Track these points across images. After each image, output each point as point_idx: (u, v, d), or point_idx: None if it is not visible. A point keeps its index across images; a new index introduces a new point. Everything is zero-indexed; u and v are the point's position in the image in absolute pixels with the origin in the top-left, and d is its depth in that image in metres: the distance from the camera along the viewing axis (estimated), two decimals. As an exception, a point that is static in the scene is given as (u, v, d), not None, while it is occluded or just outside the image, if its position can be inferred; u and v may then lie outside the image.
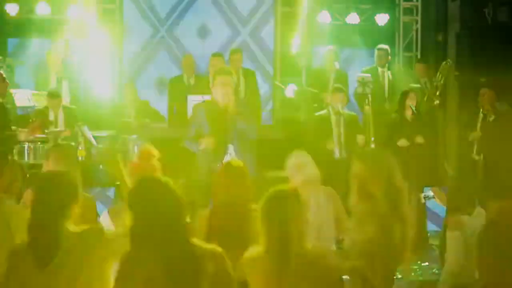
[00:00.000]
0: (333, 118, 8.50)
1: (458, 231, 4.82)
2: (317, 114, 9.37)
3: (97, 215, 4.50)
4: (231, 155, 5.99)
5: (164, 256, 3.07)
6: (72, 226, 3.43)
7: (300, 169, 5.25)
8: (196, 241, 3.18)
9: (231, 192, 4.29)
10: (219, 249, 3.24)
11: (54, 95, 9.13)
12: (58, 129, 8.84)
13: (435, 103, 9.89)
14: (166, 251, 3.08)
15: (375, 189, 3.55)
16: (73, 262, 3.33)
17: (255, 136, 6.69)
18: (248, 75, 10.29)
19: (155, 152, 4.59)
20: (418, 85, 10.02)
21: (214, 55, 9.95)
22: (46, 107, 9.13)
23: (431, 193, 5.35)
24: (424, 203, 8.63)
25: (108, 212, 4.51)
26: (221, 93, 6.43)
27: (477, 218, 4.87)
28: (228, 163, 5.46)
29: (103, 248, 3.38)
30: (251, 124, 6.57)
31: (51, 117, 9.03)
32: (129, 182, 4.39)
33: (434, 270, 7.33)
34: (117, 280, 3.20)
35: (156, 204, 3.14)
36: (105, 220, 4.39)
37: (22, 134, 8.34)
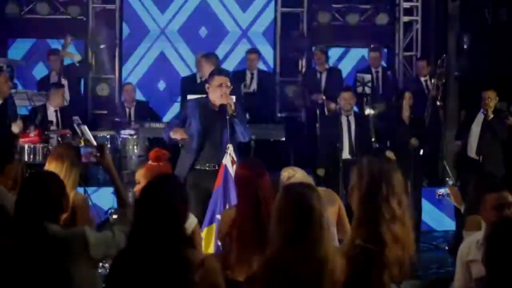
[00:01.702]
0: (343, 118, 8.48)
1: (476, 231, 4.80)
2: (327, 114, 9.40)
3: (89, 214, 4.54)
4: (231, 155, 5.96)
5: (155, 259, 3.05)
6: (57, 228, 3.37)
7: (290, 179, 5.25)
8: (189, 248, 3.15)
9: (255, 189, 4.22)
10: (214, 260, 3.20)
11: (57, 85, 9.25)
12: (58, 129, 8.85)
13: (438, 102, 9.86)
14: (158, 254, 3.06)
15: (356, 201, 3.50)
16: (58, 264, 3.29)
17: (250, 138, 6.67)
18: (264, 76, 10.25)
19: (166, 153, 4.61)
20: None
21: (207, 55, 9.85)
22: (44, 105, 9.14)
23: (446, 191, 5.31)
24: (420, 203, 8.65)
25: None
26: (218, 93, 6.39)
27: None
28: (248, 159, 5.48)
29: (87, 250, 3.35)
30: (246, 125, 6.52)
31: (51, 116, 9.04)
32: (142, 182, 4.43)
33: (433, 270, 7.34)
34: (109, 276, 3.19)
35: (158, 206, 3.11)
36: None
37: (15, 128, 8.29)
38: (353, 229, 3.46)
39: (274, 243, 3.27)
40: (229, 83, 6.39)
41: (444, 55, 10.34)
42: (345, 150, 8.38)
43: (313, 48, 10.77)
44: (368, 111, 9.16)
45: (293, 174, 5.20)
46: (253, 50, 10.36)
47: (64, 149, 4.61)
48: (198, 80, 9.99)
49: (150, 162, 4.59)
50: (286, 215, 3.25)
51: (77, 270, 3.33)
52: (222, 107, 6.34)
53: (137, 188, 4.49)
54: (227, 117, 6.23)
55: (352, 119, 8.51)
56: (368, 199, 3.41)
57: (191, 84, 9.99)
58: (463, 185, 7.33)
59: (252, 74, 10.10)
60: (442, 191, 5.33)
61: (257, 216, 4.14)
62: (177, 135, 6.42)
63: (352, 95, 8.63)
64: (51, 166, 4.28)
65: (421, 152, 8.70)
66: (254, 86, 10.05)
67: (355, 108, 9.07)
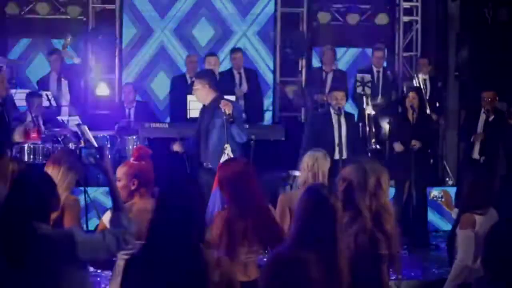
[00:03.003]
0: (334, 117, 8.42)
1: (471, 229, 4.83)
2: (318, 113, 9.34)
3: (79, 215, 4.61)
4: (228, 155, 6.02)
5: (174, 260, 3.08)
6: (46, 227, 3.36)
7: (309, 168, 5.24)
8: (205, 248, 3.18)
9: (245, 188, 4.24)
10: (227, 259, 3.24)
11: (36, 94, 9.16)
12: (57, 129, 8.85)
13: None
14: (177, 255, 3.08)
15: (360, 200, 3.52)
16: (45, 264, 3.29)
17: (247, 139, 6.91)
18: (250, 74, 10.28)
19: (149, 151, 4.60)
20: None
21: (209, 55, 9.93)
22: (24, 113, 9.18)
23: (440, 194, 5.32)
24: (426, 203, 8.63)
25: (111, 211, 4.53)
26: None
27: (489, 219, 4.88)
28: (227, 159, 5.51)
29: (75, 251, 3.34)
30: (241, 127, 6.80)
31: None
32: (123, 180, 4.40)
33: (433, 270, 7.33)
34: (124, 277, 3.21)
35: (179, 208, 3.14)
36: (107, 219, 4.42)
37: (17, 136, 8.27)
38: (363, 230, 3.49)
39: (289, 239, 3.37)
40: (198, 86, 6.94)
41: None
42: (335, 150, 8.32)
43: (323, 47, 10.67)
44: (369, 110, 9.14)
45: (314, 162, 5.21)
46: (237, 49, 10.36)
47: (62, 154, 4.73)
48: (188, 80, 10.02)
49: (132, 160, 4.56)
50: (304, 213, 3.32)
51: (65, 270, 3.32)
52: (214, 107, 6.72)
53: (119, 185, 4.45)
54: (225, 117, 6.41)
55: (342, 119, 8.38)
56: (374, 198, 3.47)
57: (181, 83, 10.02)
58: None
59: (239, 74, 10.09)
60: (435, 193, 5.33)
61: (246, 216, 4.16)
62: (176, 148, 7.11)
63: (344, 95, 8.57)
64: (48, 169, 4.36)
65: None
66: (244, 86, 10.06)
67: (348, 109, 9.04)
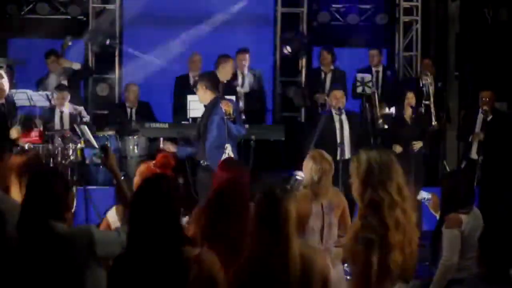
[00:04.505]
0: (335, 117, 8.41)
1: (456, 228, 4.85)
2: (320, 113, 9.35)
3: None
4: (229, 155, 6.07)
5: (154, 258, 3.07)
6: (62, 226, 3.39)
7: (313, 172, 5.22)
8: (186, 245, 3.16)
9: (230, 189, 4.22)
10: (209, 253, 3.21)
11: (62, 88, 9.31)
12: (57, 129, 8.86)
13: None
14: (157, 253, 3.07)
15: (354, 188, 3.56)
16: (63, 262, 3.31)
17: (243, 132, 7.09)
18: (255, 75, 10.22)
19: (172, 163, 4.54)
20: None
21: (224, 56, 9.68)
22: (51, 109, 9.20)
23: (428, 196, 5.30)
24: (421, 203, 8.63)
25: (116, 209, 4.52)
26: None
27: (473, 218, 4.91)
28: (228, 159, 5.53)
29: (93, 248, 3.36)
30: (239, 122, 6.98)
31: (56, 117, 9.08)
32: (138, 177, 4.40)
33: (433, 270, 7.33)
34: (109, 279, 3.21)
35: (154, 206, 3.12)
36: (112, 216, 4.42)
37: (14, 132, 8.30)
38: (358, 218, 3.50)
39: (251, 243, 3.34)
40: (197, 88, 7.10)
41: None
42: (338, 150, 8.29)
43: (321, 49, 10.68)
44: (371, 91, 9.16)
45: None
46: (243, 50, 10.25)
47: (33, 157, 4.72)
48: (191, 80, 9.97)
49: (152, 163, 4.51)
50: (259, 216, 3.31)
51: (83, 268, 3.35)
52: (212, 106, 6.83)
53: (134, 180, 4.46)
54: (226, 116, 6.46)
55: (344, 118, 8.39)
56: (367, 184, 3.48)
57: (184, 83, 9.98)
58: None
59: (243, 74, 10.02)
60: (424, 194, 5.31)
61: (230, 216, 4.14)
62: (167, 146, 7.16)
63: (343, 94, 8.56)
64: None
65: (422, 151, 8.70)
66: (246, 86, 10.01)
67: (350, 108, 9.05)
